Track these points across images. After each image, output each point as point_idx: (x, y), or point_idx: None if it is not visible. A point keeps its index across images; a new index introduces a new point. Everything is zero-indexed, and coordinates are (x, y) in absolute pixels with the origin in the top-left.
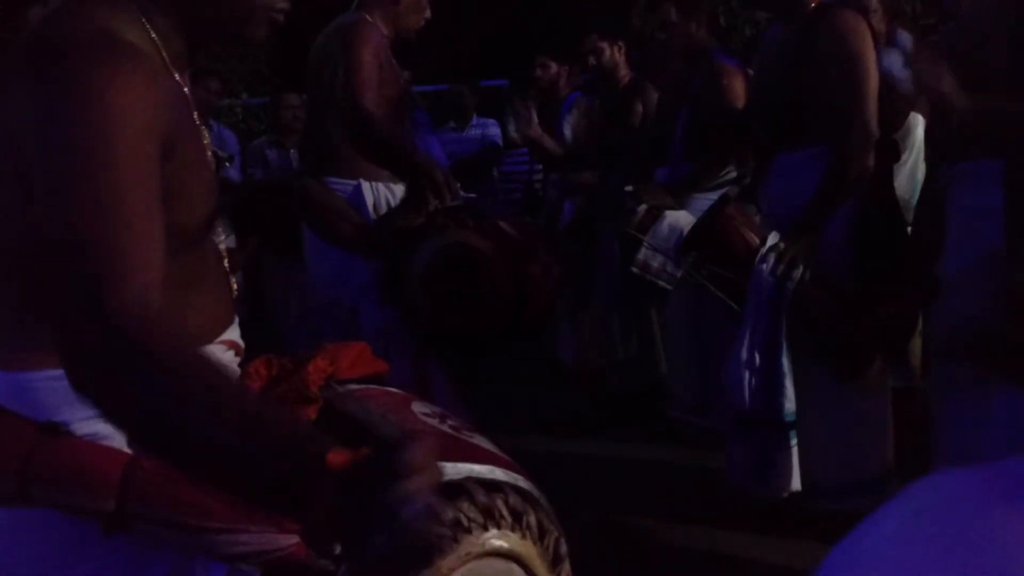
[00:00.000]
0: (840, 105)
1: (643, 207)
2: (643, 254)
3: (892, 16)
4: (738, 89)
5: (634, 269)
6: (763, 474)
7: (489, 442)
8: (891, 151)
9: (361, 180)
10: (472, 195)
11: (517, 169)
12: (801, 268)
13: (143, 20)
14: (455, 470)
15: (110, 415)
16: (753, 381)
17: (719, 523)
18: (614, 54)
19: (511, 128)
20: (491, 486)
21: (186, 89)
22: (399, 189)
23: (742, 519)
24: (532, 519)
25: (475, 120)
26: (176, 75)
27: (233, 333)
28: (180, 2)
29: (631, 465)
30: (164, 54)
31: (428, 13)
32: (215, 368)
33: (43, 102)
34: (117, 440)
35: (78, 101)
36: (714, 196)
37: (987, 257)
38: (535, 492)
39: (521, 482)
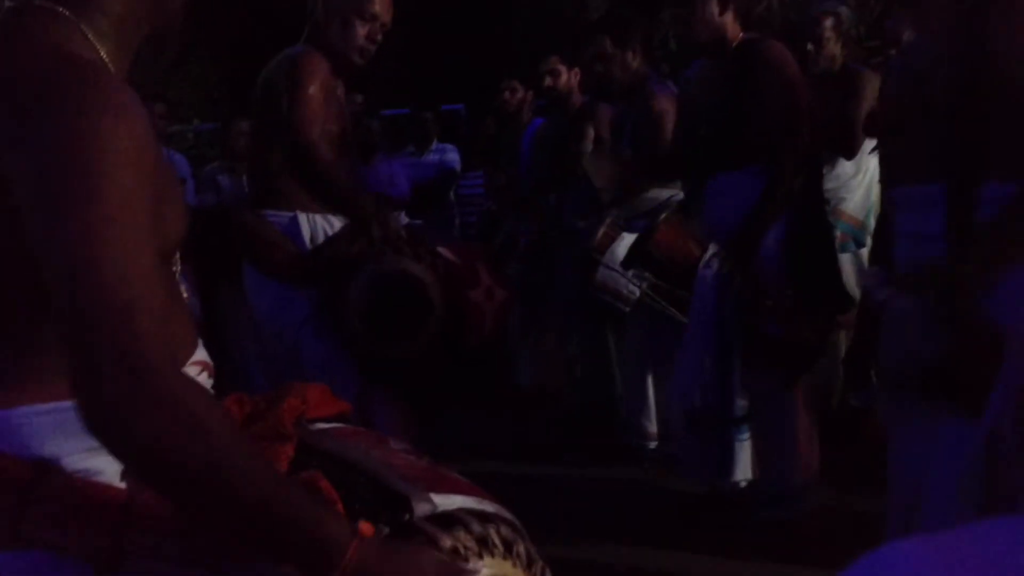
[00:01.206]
0: (774, 127)
1: (602, 228)
2: (601, 274)
3: (844, 42)
4: (673, 115)
5: (594, 291)
6: (720, 467)
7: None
8: (818, 169)
9: (297, 212)
10: (416, 222)
11: (473, 192)
12: (741, 275)
13: (90, 38)
14: (448, 501)
15: (125, 450)
16: (705, 379)
17: (677, 544)
18: (570, 79)
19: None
20: (483, 516)
21: None
22: (336, 220)
23: (700, 539)
24: (521, 548)
25: (435, 145)
26: None
27: (202, 353)
28: (125, 11)
29: (588, 487)
30: (114, 72)
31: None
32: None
33: (34, 137)
34: (109, 475)
35: (75, 134)
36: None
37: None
38: (518, 523)
39: (506, 513)
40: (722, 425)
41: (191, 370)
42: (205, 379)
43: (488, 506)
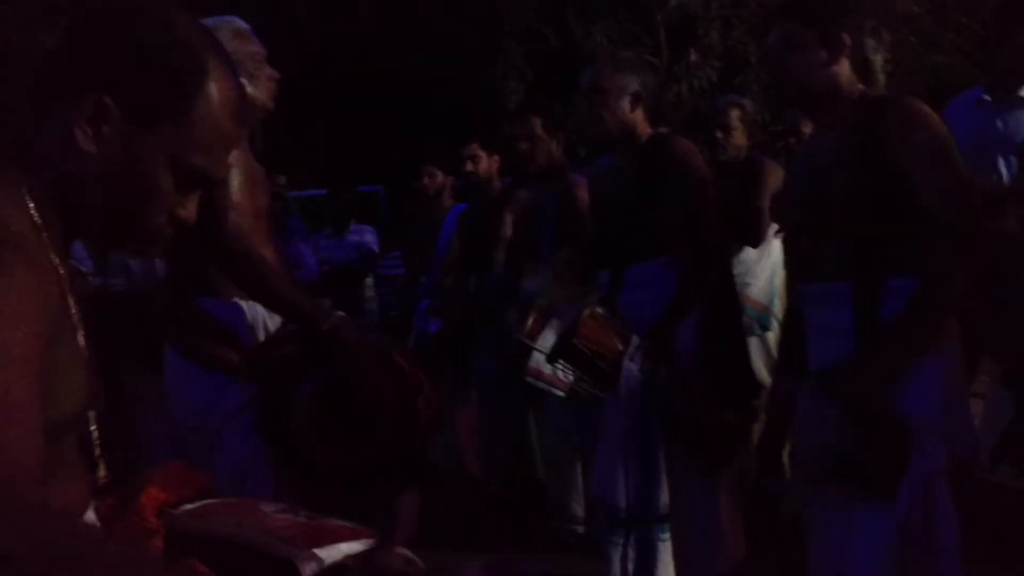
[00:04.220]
0: (685, 219)
1: (531, 316)
2: (534, 361)
3: (750, 133)
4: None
5: (528, 378)
6: (642, 571)
7: (343, 520)
8: (728, 259)
9: (236, 299)
10: (340, 313)
11: (393, 273)
12: (664, 367)
13: (28, 200)
14: (334, 552)
15: None
16: (630, 479)
17: None
18: (490, 165)
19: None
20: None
21: (62, 270)
22: None
23: None
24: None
25: (353, 227)
26: (55, 256)
27: (90, 515)
28: (62, 190)
29: None
30: (45, 235)
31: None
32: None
33: None
34: None
35: None
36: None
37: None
38: (407, 552)
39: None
40: (645, 524)
41: None
42: None
43: (374, 544)
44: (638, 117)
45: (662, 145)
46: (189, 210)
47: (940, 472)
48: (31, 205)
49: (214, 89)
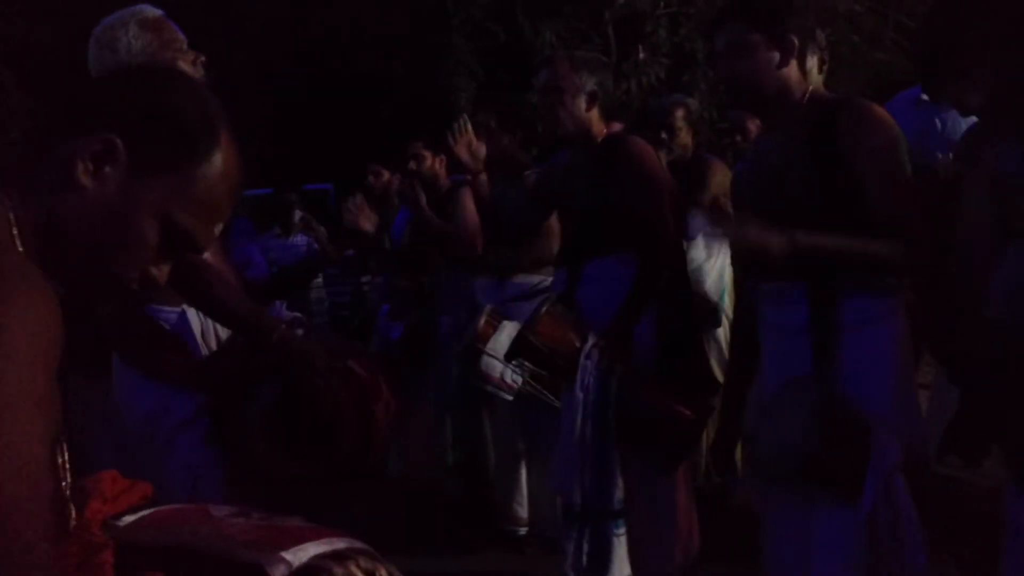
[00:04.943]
0: (640, 217)
1: (483, 318)
2: (484, 364)
3: (695, 132)
4: None
5: (477, 381)
6: (597, 565)
7: (302, 519)
8: (683, 256)
9: (185, 307)
10: (296, 314)
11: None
12: (620, 364)
13: (13, 229)
14: (301, 554)
15: None
16: (585, 474)
17: None
18: (435, 164)
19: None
20: (339, 556)
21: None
22: None
23: None
24: (383, 572)
25: None
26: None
27: None
28: (47, 221)
29: None
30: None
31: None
32: None
33: None
34: None
35: None
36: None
37: (798, 377)
38: (370, 548)
39: (356, 543)
40: (600, 519)
41: None
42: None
43: (338, 543)
44: (594, 116)
45: (617, 144)
46: (162, 272)
47: (899, 467)
48: (15, 232)
49: (220, 159)
